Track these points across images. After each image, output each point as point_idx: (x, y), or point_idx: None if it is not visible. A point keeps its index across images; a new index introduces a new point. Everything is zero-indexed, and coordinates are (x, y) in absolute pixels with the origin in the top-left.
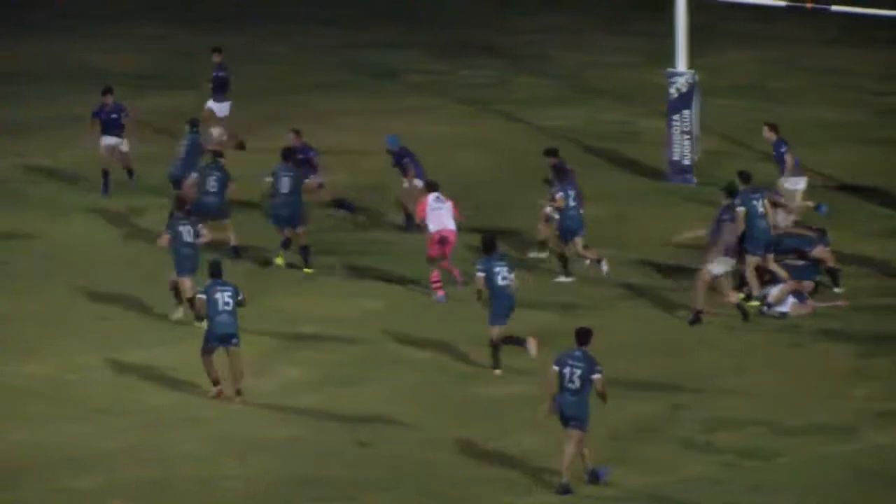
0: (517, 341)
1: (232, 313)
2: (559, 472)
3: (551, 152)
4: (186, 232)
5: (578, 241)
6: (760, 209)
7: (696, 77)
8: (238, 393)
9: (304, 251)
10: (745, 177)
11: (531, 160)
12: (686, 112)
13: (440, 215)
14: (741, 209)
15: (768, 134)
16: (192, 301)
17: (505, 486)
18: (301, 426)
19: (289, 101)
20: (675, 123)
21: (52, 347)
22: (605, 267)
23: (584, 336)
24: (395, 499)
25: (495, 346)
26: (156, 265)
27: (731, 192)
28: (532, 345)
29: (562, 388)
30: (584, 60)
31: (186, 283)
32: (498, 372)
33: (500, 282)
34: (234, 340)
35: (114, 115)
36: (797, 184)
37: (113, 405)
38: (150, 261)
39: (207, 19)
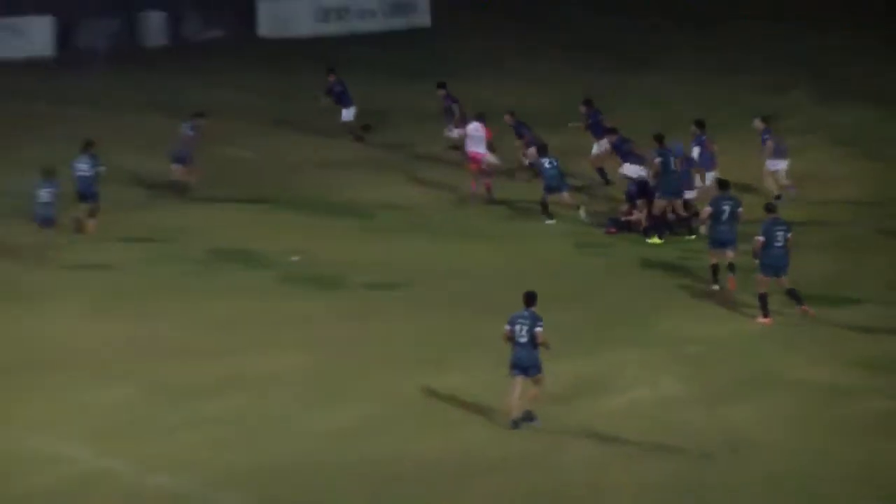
0: None
1: None
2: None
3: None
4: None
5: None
6: None
7: None
8: None
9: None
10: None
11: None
12: None
13: (474, 141)
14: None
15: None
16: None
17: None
18: (678, 436)
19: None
20: None
21: (461, 361)
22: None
23: (530, 298)
24: None
25: None
26: (541, 294)
27: None
28: None
29: (514, 342)
30: None
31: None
32: None
33: None
34: None
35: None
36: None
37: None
38: (546, 285)
39: (603, 60)
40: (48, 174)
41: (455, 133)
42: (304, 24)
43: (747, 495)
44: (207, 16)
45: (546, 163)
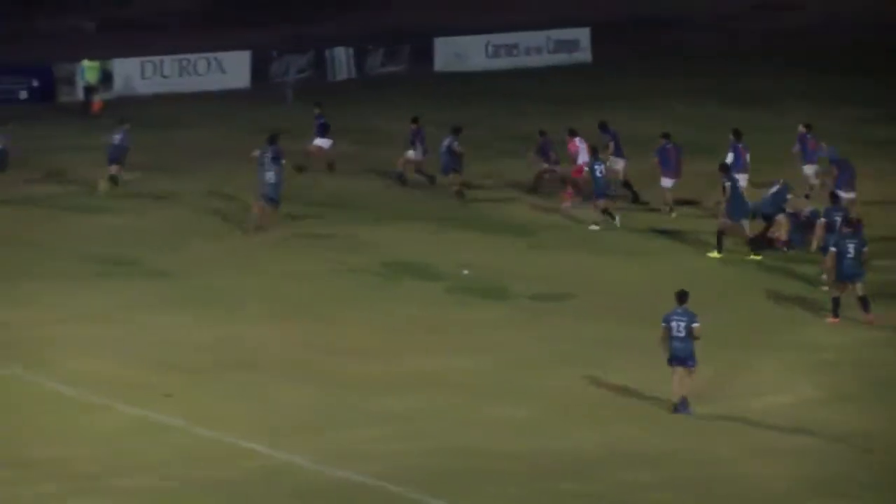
0: None
1: None
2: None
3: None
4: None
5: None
6: None
7: None
8: None
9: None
10: None
11: None
12: None
13: (582, 152)
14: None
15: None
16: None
17: None
18: (815, 436)
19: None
20: None
21: (613, 364)
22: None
23: (683, 296)
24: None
25: None
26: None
27: None
28: None
29: (671, 337)
30: None
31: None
32: None
33: None
34: None
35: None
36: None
37: (658, 412)
38: (691, 295)
39: (737, 98)
40: (275, 159)
41: (412, 154)
42: (476, 60)
43: (881, 490)
44: (389, 52)
45: (599, 169)
